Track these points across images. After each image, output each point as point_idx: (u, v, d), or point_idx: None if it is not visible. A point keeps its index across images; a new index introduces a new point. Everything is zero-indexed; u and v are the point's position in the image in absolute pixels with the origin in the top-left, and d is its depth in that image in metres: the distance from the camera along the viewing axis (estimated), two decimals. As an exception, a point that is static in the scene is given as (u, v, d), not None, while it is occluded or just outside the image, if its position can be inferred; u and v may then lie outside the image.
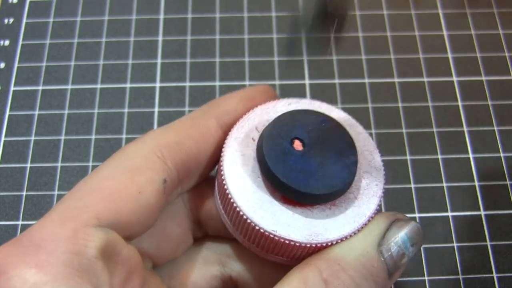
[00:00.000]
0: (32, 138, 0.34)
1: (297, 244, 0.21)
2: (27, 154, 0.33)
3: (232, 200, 0.22)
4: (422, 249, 0.31)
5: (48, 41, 0.37)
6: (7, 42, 0.37)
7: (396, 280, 0.30)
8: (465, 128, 0.34)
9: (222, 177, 0.22)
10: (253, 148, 0.23)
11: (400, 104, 0.35)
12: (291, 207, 0.22)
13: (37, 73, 0.36)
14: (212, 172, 0.25)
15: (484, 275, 0.30)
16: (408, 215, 0.31)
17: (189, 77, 0.36)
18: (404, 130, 0.34)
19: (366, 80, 0.36)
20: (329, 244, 0.21)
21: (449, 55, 0.37)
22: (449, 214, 0.32)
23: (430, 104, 0.35)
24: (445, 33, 0.38)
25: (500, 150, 0.34)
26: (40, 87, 0.35)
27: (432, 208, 0.32)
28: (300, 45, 0.37)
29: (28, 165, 0.33)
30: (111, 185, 0.20)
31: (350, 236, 0.21)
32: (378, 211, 0.22)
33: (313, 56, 0.37)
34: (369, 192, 0.22)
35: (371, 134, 0.24)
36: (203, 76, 0.36)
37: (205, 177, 0.25)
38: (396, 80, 0.36)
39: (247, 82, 0.36)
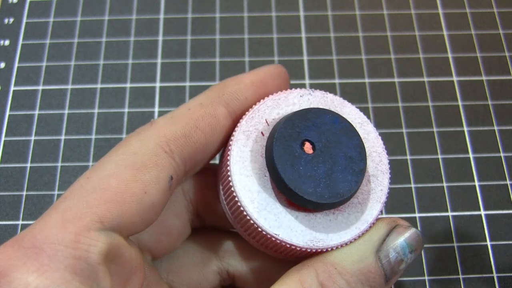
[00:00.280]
0: (32, 138, 0.34)
1: (298, 248, 0.21)
2: (27, 154, 0.33)
3: (236, 199, 0.21)
4: (422, 249, 0.31)
5: (48, 41, 0.37)
6: (7, 42, 0.37)
7: (396, 280, 0.30)
8: (465, 128, 0.34)
9: (228, 173, 0.22)
10: (262, 144, 0.22)
11: (400, 104, 0.35)
12: (295, 211, 0.22)
13: (37, 73, 0.36)
14: (213, 160, 0.25)
15: (484, 275, 0.30)
16: (408, 215, 0.32)
17: (189, 77, 0.36)
18: (404, 130, 0.34)
19: (366, 80, 0.36)
20: (329, 249, 0.21)
21: (449, 55, 0.37)
22: (449, 214, 0.32)
23: (430, 104, 0.35)
24: (445, 33, 0.38)
25: (500, 150, 0.34)
26: (40, 87, 0.35)
27: (432, 208, 0.32)
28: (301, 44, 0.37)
29: (28, 165, 0.33)
30: (114, 184, 0.20)
31: (351, 242, 0.21)
32: (380, 214, 0.22)
33: (313, 56, 0.37)
34: (373, 197, 0.22)
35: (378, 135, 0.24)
36: (203, 76, 0.36)
37: (207, 164, 0.24)
38: (396, 80, 0.36)
39: (247, 82, 0.36)
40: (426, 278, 0.30)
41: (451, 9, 0.39)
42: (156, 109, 0.35)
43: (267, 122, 0.23)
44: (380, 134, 0.24)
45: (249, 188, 0.22)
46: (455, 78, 0.36)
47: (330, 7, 0.39)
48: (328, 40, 0.37)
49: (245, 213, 0.21)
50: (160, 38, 0.37)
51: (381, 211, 0.22)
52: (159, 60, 0.37)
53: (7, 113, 0.35)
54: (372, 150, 0.23)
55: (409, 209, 0.32)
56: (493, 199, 0.32)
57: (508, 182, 0.33)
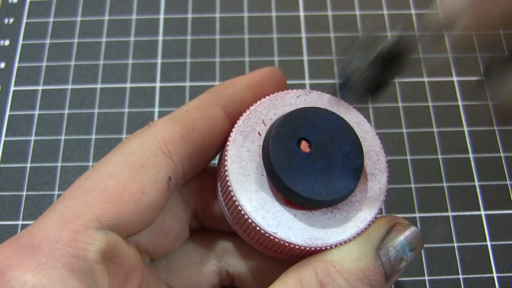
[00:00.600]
0: (32, 138, 0.34)
1: (297, 247, 0.21)
2: (27, 154, 0.33)
3: (234, 198, 0.21)
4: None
5: (48, 41, 0.37)
6: (7, 42, 0.37)
7: (396, 280, 0.30)
8: (465, 128, 0.34)
9: (226, 173, 0.22)
10: (259, 144, 0.22)
11: (400, 104, 0.35)
12: (293, 209, 0.22)
13: (37, 73, 0.36)
14: (212, 162, 0.25)
15: (484, 275, 0.30)
16: (408, 215, 0.32)
17: (189, 77, 0.36)
18: (404, 130, 0.34)
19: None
20: (328, 247, 0.21)
21: (449, 55, 0.37)
22: (449, 214, 0.32)
23: (430, 104, 0.35)
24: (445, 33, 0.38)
25: (500, 150, 0.34)
26: (40, 87, 0.35)
27: (432, 208, 0.32)
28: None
29: (28, 165, 0.33)
30: (113, 184, 0.20)
31: (349, 240, 0.21)
32: (379, 212, 0.22)
33: (313, 56, 0.37)
34: (371, 196, 0.22)
35: (375, 134, 0.24)
36: (203, 76, 0.36)
37: (205, 167, 0.24)
38: (396, 80, 0.36)
39: (247, 82, 0.36)
40: (426, 278, 0.30)
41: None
42: (156, 109, 0.35)
43: (264, 122, 0.23)
44: (380, 134, 0.24)
45: (247, 188, 0.22)
46: (455, 78, 0.36)
47: (330, 7, 0.39)
48: (328, 40, 0.37)
49: (243, 212, 0.21)
50: (160, 38, 0.37)
51: (380, 210, 0.22)
52: (159, 60, 0.37)
53: (7, 113, 0.35)
54: (370, 149, 0.23)
55: (409, 209, 0.32)
56: (493, 199, 0.32)
57: (508, 182, 0.33)
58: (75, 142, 0.34)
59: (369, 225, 0.22)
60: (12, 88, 0.35)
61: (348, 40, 0.37)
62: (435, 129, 0.34)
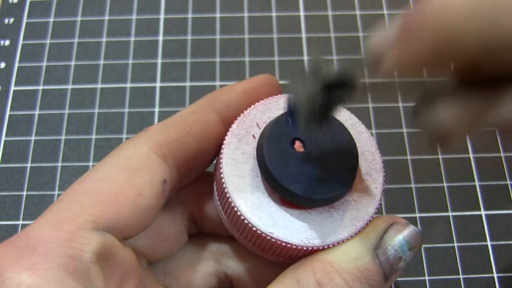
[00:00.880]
0: (33, 138, 0.34)
1: (294, 246, 0.21)
2: (27, 154, 0.33)
3: (230, 200, 0.22)
4: (422, 249, 0.31)
5: (48, 41, 0.37)
6: (7, 42, 0.37)
7: (396, 280, 0.30)
8: (465, 128, 0.34)
9: (221, 175, 0.22)
10: (254, 146, 0.23)
11: (400, 104, 0.35)
12: (289, 209, 0.22)
13: (37, 73, 0.36)
14: (209, 167, 0.25)
15: (484, 275, 0.30)
16: (408, 215, 0.32)
17: (190, 77, 0.36)
18: (404, 130, 0.34)
19: (367, 80, 0.36)
20: (326, 247, 0.21)
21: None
22: (449, 214, 0.32)
23: (430, 104, 0.35)
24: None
25: (500, 150, 0.34)
26: (40, 87, 0.35)
27: (432, 208, 0.32)
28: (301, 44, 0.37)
29: (29, 165, 0.33)
30: (108, 186, 0.20)
31: (347, 239, 0.21)
32: (378, 212, 0.22)
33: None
34: (368, 195, 0.22)
35: (371, 134, 0.24)
36: (204, 76, 0.36)
37: (202, 172, 0.24)
38: (396, 80, 0.36)
39: (247, 82, 0.36)
40: (426, 278, 0.30)
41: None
42: (156, 109, 0.35)
43: (258, 125, 0.23)
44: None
45: (242, 189, 0.22)
46: (455, 78, 0.36)
47: (330, 7, 0.39)
48: (328, 40, 0.37)
49: (239, 213, 0.21)
50: (160, 38, 0.37)
51: (378, 209, 0.22)
52: (159, 60, 0.37)
53: (7, 113, 0.35)
54: (365, 150, 0.23)
55: (409, 209, 0.32)
56: (493, 199, 0.32)
57: (508, 182, 0.33)
58: (75, 142, 0.34)
59: (367, 224, 0.22)
60: (12, 88, 0.35)
61: (348, 40, 0.37)
62: (435, 129, 0.34)
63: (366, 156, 0.23)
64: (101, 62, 0.36)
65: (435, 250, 0.31)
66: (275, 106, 0.24)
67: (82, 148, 0.33)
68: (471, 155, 0.34)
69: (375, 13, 0.38)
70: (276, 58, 0.37)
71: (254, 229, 0.21)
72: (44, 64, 0.36)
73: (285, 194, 0.21)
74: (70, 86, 0.36)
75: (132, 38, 0.37)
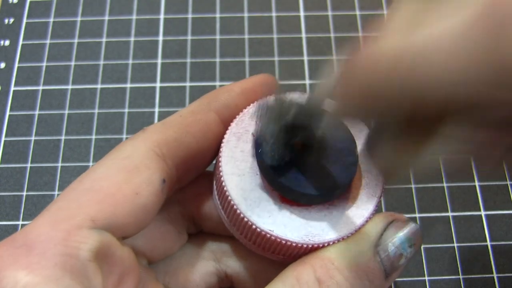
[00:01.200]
0: (33, 138, 0.34)
1: (294, 244, 0.21)
2: (27, 154, 0.33)
3: (229, 198, 0.22)
4: (422, 249, 0.31)
5: (48, 41, 0.37)
6: (7, 42, 0.37)
7: (396, 280, 0.30)
8: (465, 128, 0.34)
9: (220, 174, 0.22)
10: (253, 145, 0.23)
11: (400, 104, 0.35)
12: (288, 206, 0.22)
13: (37, 73, 0.36)
14: (208, 167, 0.25)
15: (484, 275, 0.30)
16: (409, 215, 0.31)
17: (189, 77, 0.36)
18: (404, 130, 0.34)
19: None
20: (326, 244, 0.21)
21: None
22: (449, 214, 0.32)
23: (430, 104, 0.35)
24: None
25: (500, 150, 0.34)
26: (40, 87, 0.36)
27: (432, 208, 0.32)
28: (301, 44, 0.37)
29: (29, 165, 0.33)
30: (106, 185, 0.20)
31: (347, 236, 0.21)
32: (378, 211, 0.22)
33: (313, 56, 0.37)
34: (368, 192, 0.22)
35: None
36: (204, 76, 0.36)
37: (201, 172, 0.24)
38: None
39: (247, 82, 0.36)
40: (426, 278, 0.30)
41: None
42: (156, 109, 0.35)
43: (257, 124, 0.23)
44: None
45: (241, 187, 0.22)
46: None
47: (330, 7, 0.39)
48: (328, 40, 0.37)
49: (238, 211, 0.21)
50: (160, 38, 0.37)
51: (378, 207, 0.22)
52: (159, 60, 0.37)
53: (7, 113, 0.35)
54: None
55: (409, 209, 0.32)
56: (493, 199, 0.32)
57: (508, 182, 0.33)
58: (75, 142, 0.34)
59: (367, 221, 0.22)
60: (12, 88, 0.35)
61: (348, 40, 0.37)
62: (435, 129, 0.34)
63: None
64: (101, 62, 0.36)
65: (435, 250, 0.31)
66: None
67: (82, 148, 0.34)
68: (471, 155, 0.34)
69: (375, 13, 0.38)
70: (276, 58, 0.37)
71: (254, 227, 0.21)
72: (44, 64, 0.36)
73: (284, 192, 0.21)
74: (70, 86, 0.36)
75: (132, 38, 0.37)
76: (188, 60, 0.37)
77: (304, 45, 0.37)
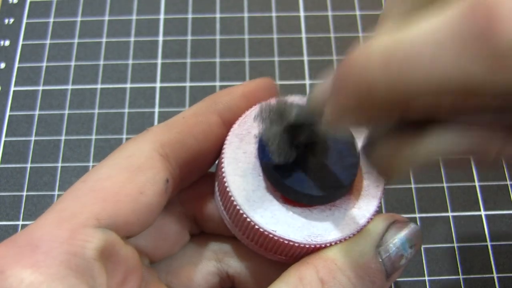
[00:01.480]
0: (33, 138, 0.34)
1: (296, 244, 0.21)
2: (27, 154, 0.33)
3: (232, 198, 0.22)
4: (422, 249, 0.31)
5: (48, 41, 0.37)
6: (7, 42, 0.37)
7: (396, 280, 0.30)
8: (465, 128, 0.34)
9: (223, 174, 0.22)
10: (255, 146, 0.23)
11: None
12: (291, 207, 0.22)
13: (37, 73, 0.36)
14: (210, 168, 0.25)
15: (484, 275, 0.30)
16: (409, 215, 0.32)
17: (190, 77, 0.36)
18: (404, 130, 0.34)
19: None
20: (328, 245, 0.21)
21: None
22: (449, 214, 0.32)
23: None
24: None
25: (500, 150, 0.34)
26: (40, 87, 0.36)
27: (432, 208, 0.32)
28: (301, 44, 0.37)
29: (29, 165, 0.33)
30: (110, 185, 0.20)
31: (349, 237, 0.21)
32: (378, 211, 0.22)
33: (313, 56, 0.37)
34: (369, 193, 0.22)
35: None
36: (204, 76, 0.36)
37: (204, 173, 0.24)
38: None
39: (247, 82, 0.36)
40: (426, 278, 0.30)
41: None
42: (156, 110, 0.35)
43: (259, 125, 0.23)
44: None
45: (244, 188, 0.22)
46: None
47: (330, 7, 0.39)
48: (328, 40, 0.37)
49: (241, 212, 0.21)
50: (160, 38, 0.37)
51: (379, 208, 0.22)
52: (159, 61, 0.37)
53: (7, 113, 0.35)
54: None
55: (409, 209, 0.32)
56: (493, 199, 0.32)
57: (508, 182, 0.33)
58: (75, 143, 0.34)
59: (368, 222, 0.22)
60: (12, 88, 0.35)
61: (348, 40, 0.37)
62: (435, 129, 0.34)
63: None
64: (101, 62, 0.36)
65: (435, 250, 0.31)
66: None
67: (82, 149, 0.34)
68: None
69: (375, 13, 0.38)
70: (276, 59, 0.37)
71: (257, 227, 0.21)
72: (44, 64, 0.36)
73: (287, 192, 0.21)
74: (70, 87, 0.36)
75: (132, 39, 0.37)
76: (188, 60, 0.37)
77: (304, 45, 0.37)
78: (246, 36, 0.37)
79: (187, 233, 0.25)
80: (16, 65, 0.36)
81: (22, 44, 0.37)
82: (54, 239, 0.18)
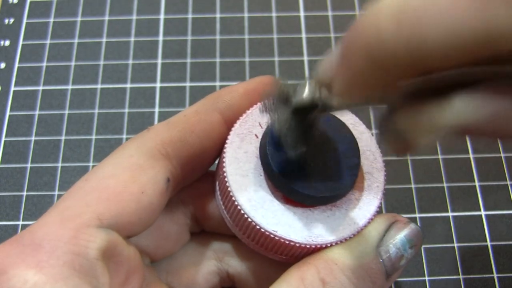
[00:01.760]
0: (33, 138, 0.34)
1: (297, 244, 0.21)
2: (27, 154, 0.33)
3: (233, 198, 0.22)
4: (422, 249, 0.31)
5: (48, 41, 0.37)
6: (7, 42, 0.37)
7: (396, 280, 0.30)
8: (465, 128, 0.34)
9: (224, 174, 0.22)
10: (256, 145, 0.23)
11: (400, 104, 0.35)
12: (292, 207, 0.22)
13: (37, 73, 0.36)
14: (211, 167, 0.25)
15: (484, 275, 0.30)
16: (409, 215, 0.32)
17: (190, 77, 0.36)
18: (404, 130, 0.34)
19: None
20: (329, 245, 0.21)
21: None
22: (449, 214, 0.32)
23: (430, 104, 0.35)
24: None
25: (500, 150, 0.34)
26: (41, 87, 0.36)
27: (432, 208, 0.32)
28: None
29: (29, 165, 0.33)
30: (113, 184, 0.20)
31: (350, 237, 0.21)
32: (378, 212, 0.22)
33: (313, 56, 0.37)
34: (369, 194, 0.22)
35: (372, 135, 0.24)
36: (204, 76, 0.36)
37: (204, 172, 0.24)
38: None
39: (247, 82, 0.36)
40: (426, 278, 0.30)
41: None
42: (156, 110, 0.35)
43: (260, 125, 0.23)
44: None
45: (245, 188, 0.22)
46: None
47: (330, 7, 0.39)
48: (328, 40, 0.37)
49: (242, 211, 0.21)
50: (160, 38, 0.37)
51: (379, 208, 0.22)
52: (159, 61, 0.37)
53: (7, 113, 0.35)
54: (366, 149, 0.23)
55: (409, 209, 0.32)
56: (493, 199, 0.32)
57: (508, 182, 0.33)
58: (75, 143, 0.34)
59: (369, 222, 0.22)
60: (12, 88, 0.35)
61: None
62: (435, 129, 0.34)
63: (367, 156, 0.23)
64: (101, 62, 0.36)
65: (435, 250, 0.31)
66: None
67: (82, 149, 0.34)
68: (471, 155, 0.34)
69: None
70: (276, 59, 0.37)
71: (258, 227, 0.21)
72: (44, 64, 0.36)
73: (288, 193, 0.21)
74: (70, 87, 0.36)
75: (132, 39, 0.37)
76: (188, 60, 0.37)
77: (304, 45, 0.37)
78: (246, 36, 0.37)
79: (188, 232, 0.25)
80: (16, 65, 0.36)
81: (22, 44, 0.37)
82: (57, 238, 0.18)
